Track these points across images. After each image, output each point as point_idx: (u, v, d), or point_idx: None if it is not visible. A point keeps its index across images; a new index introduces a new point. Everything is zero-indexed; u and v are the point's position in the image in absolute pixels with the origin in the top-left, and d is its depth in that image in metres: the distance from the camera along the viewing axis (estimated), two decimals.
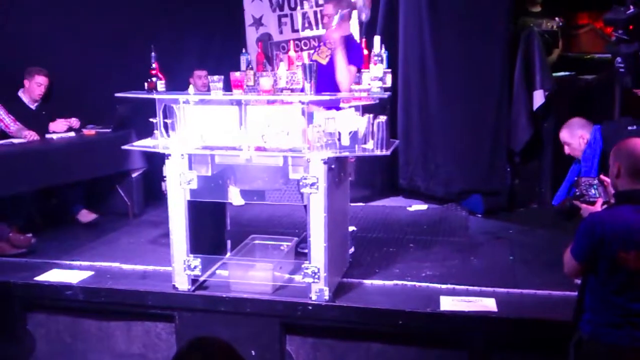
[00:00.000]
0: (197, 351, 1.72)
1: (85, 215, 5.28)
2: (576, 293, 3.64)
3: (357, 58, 4.18)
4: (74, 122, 5.39)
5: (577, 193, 2.77)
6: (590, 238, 2.49)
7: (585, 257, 2.53)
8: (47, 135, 5.18)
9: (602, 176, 2.77)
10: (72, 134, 5.34)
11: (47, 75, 5.24)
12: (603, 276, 2.50)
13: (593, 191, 2.73)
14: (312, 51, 4.05)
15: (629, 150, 2.54)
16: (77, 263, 4.34)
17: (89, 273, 4.15)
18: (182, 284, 3.79)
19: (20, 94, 5.25)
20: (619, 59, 4.19)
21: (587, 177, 2.80)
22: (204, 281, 3.88)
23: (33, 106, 5.29)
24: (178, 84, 4.42)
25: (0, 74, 5.13)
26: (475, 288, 3.78)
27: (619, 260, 2.45)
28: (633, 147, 2.54)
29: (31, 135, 5.00)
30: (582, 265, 2.56)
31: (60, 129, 5.32)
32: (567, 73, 5.91)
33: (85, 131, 5.48)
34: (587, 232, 2.51)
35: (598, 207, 2.68)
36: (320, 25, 6.06)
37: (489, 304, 3.55)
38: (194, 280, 3.80)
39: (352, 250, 4.41)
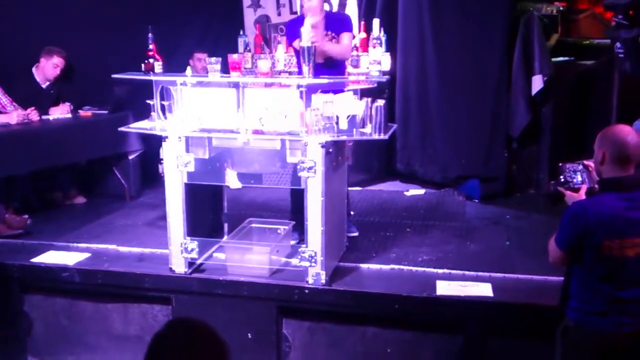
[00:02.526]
0: (176, 332, 1.70)
1: (79, 199, 5.42)
2: None
3: (348, 24, 4.18)
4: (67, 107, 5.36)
5: (562, 179, 2.74)
6: (574, 227, 2.48)
7: (569, 245, 2.53)
8: (44, 117, 5.15)
9: (585, 161, 2.74)
10: (69, 115, 5.31)
11: (65, 57, 5.20)
12: (588, 264, 2.51)
13: (578, 178, 2.70)
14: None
15: (614, 137, 2.51)
16: (74, 245, 4.34)
17: (86, 255, 4.15)
18: (179, 266, 3.79)
19: (34, 70, 5.21)
20: (618, 45, 4.17)
21: (572, 163, 2.76)
22: (201, 264, 3.88)
23: (44, 85, 5.25)
24: (176, 66, 4.39)
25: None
26: (472, 273, 3.79)
27: (604, 248, 2.45)
28: (618, 134, 2.51)
29: (27, 114, 4.94)
30: (566, 254, 2.56)
31: (61, 113, 5.29)
32: (566, 58, 5.88)
33: (82, 112, 5.45)
34: (570, 220, 2.51)
35: (582, 195, 2.65)
36: None
37: (485, 289, 3.56)
38: (190, 263, 3.81)
39: (356, 234, 4.43)
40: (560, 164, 2.78)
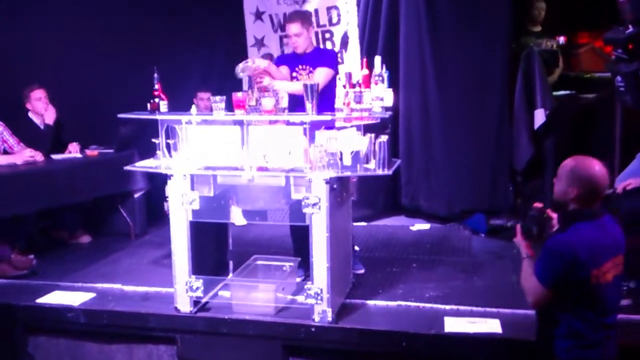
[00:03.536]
0: None
1: (85, 238, 5.43)
2: None
3: (327, 60, 4.22)
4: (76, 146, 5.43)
5: (525, 225, 2.67)
6: (561, 262, 2.48)
7: (556, 282, 2.51)
8: (53, 156, 5.19)
9: (550, 211, 2.67)
10: (79, 155, 5.36)
11: (40, 86, 5.23)
12: (578, 297, 2.52)
13: (536, 228, 2.63)
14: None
15: (588, 177, 2.53)
16: (79, 284, 4.32)
17: (91, 295, 4.14)
18: (184, 305, 3.77)
19: (30, 115, 5.27)
20: (618, 78, 4.20)
21: (539, 210, 2.68)
22: (206, 303, 3.86)
23: (42, 126, 5.31)
24: (181, 105, 4.44)
25: (5, 95, 5.16)
26: (479, 309, 3.76)
27: (592, 278, 2.48)
28: (592, 173, 2.53)
29: (32, 156, 4.98)
30: (552, 292, 2.53)
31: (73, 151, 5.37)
32: (567, 92, 5.93)
33: (88, 152, 5.49)
34: (556, 256, 2.50)
35: (526, 247, 2.64)
36: (321, 46, 6.09)
37: (493, 325, 3.52)
38: (196, 302, 3.78)
39: (362, 271, 4.42)
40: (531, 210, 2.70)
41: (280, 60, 4.36)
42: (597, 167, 2.56)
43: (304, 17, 4.25)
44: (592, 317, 2.53)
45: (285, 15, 5.60)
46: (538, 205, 2.67)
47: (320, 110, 3.71)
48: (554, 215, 2.65)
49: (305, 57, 4.25)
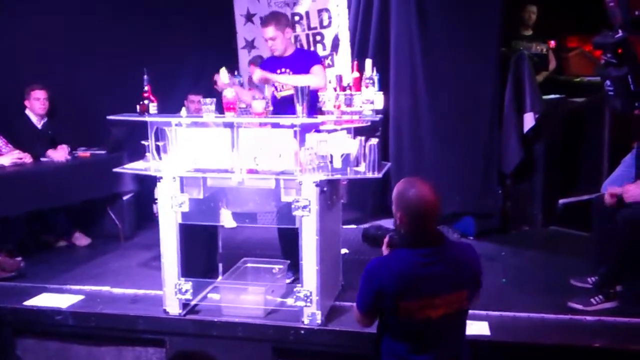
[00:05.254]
0: None
1: (80, 239, 5.38)
2: (569, 316, 3.66)
3: (315, 58, 4.28)
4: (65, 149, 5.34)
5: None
6: (369, 288, 2.39)
7: (367, 307, 2.43)
8: (43, 159, 5.15)
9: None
10: (65, 159, 5.30)
11: (42, 88, 5.24)
12: (389, 326, 2.42)
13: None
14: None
15: (413, 202, 2.38)
16: (67, 287, 4.30)
17: (79, 297, 4.11)
18: (173, 308, 3.75)
19: (28, 112, 5.26)
20: (608, 82, 4.22)
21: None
22: (195, 305, 3.85)
23: (39, 125, 5.30)
24: (171, 107, 4.42)
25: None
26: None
27: (400, 310, 2.33)
28: (418, 198, 2.38)
29: (21, 157, 4.94)
30: (367, 316, 2.46)
31: (59, 157, 5.20)
32: (557, 96, 5.96)
33: (81, 153, 5.45)
34: (365, 281, 2.41)
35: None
36: (312, 48, 6.10)
37: (481, 328, 3.53)
38: (185, 305, 3.77)
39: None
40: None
41: (262, 66, 4.33)
42: (425, 192, 2.39)
43: (278, 20, 4.21)
44: (401, 350, 2.38)
45: None
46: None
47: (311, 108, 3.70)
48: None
49: (286, 60, 4.23)
